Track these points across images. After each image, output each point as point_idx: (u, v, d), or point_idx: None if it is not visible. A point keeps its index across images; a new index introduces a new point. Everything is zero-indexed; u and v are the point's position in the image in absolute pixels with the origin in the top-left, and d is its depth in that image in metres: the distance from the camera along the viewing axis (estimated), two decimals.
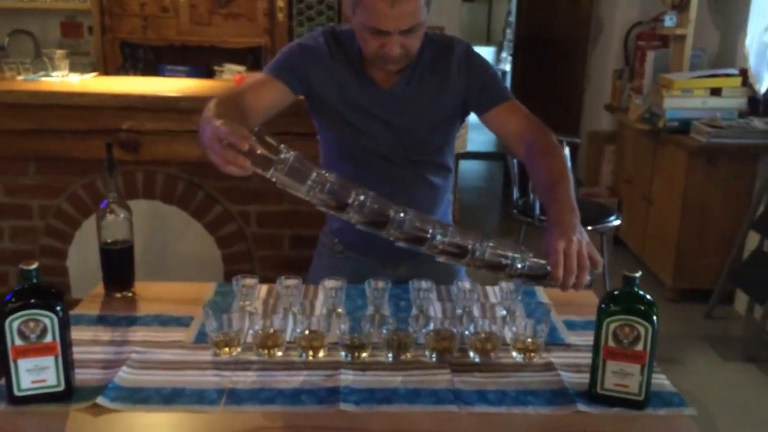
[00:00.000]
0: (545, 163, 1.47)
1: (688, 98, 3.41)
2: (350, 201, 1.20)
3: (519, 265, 1.25)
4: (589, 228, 2.72)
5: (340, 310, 1.35)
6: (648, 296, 1.11)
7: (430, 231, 1.24)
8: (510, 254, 1.25)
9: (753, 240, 3.19)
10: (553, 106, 5.00)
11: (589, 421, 1.09)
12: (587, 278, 1.24)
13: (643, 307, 1.09)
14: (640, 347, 1.09)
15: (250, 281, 1.37)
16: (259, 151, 1.12)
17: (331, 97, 1.60)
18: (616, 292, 1.12)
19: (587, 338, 1.34)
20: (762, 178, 3.21)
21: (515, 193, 2.88)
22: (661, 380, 1.18)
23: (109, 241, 1.48)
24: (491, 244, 1.25)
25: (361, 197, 1.20)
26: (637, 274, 1.11)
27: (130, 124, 2.21)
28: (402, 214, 1.23)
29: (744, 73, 3.41)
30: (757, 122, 3.24)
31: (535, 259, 1.26)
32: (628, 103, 4.06)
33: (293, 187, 1.17)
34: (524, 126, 1.56)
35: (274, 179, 1.15)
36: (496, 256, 1.25)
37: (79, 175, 2.33)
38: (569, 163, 1.47)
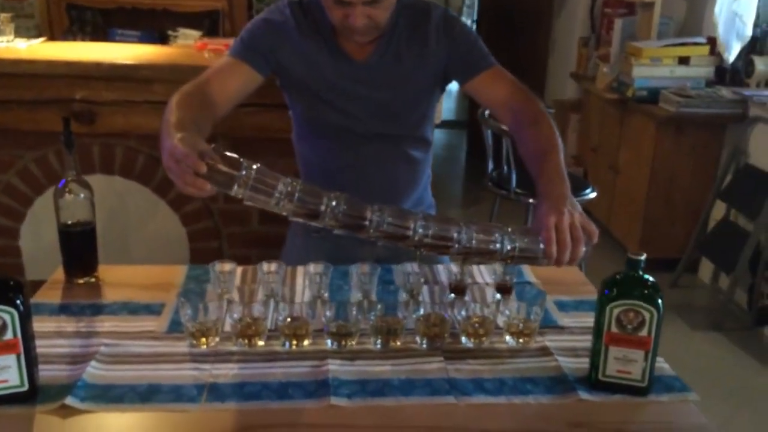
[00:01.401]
0: (532, 132, 1.40)
1: (657, 67, 3.39)
2: (323, 208, 1.13)
3: (509, 247, 1.19)
4: None
5: (326, 295, 1.27)
6: (652, 279, 1.07)
7: (411, 226, 1.17)
8: (498, 237, 1.19)
9: (719, 209, 3.22)
10: (516, 74, 4.95)
11: (591, 409, 1.05)
12: (582, 252, 1.18)
13: (648, 292, 1.04)
14: (644, 333, 1.05)
15: (227, 267, 1.27)
16: (218, 171, 1.05)
17: (301, 74, 1.49)
18: (618, 276, 1.07)
19: (580, 320, 1.31)
20: (729, 148, 3.23)
21: (490, 165, 2.82)
22: (660, 363, 1.14)
23: (69, 222, 1.37)
24: (476, 230, 1.18)
25: (333, 202, 1.13)
26: (642, 257, 1.06)
27: (83, 93, 2.06)
28: (379, 214, 1.15)
29: (712, 41, 3.40)
30: (725, 91, 3.24)
31: (526, 239, 1.20)
32: (594, 72, 4.03)
33: (260, 200, 1.10)
34: (510, 94, 1.49)
35: (239, 196, 1.09)
36: (484, 242, 1.18)
37: (29, 149, 2.18)
38: (557, 131, 1.40)
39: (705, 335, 2.92)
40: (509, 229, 1.20)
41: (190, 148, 1.05)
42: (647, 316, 1.04)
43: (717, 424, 1.88)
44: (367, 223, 1.15)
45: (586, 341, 1.21)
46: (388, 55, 1.49)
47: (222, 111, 1.42)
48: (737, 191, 3.10)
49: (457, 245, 1.18)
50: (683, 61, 3.41)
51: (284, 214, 1.13)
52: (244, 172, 1.06)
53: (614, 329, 1.06)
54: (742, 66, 3.34)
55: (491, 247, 1.19)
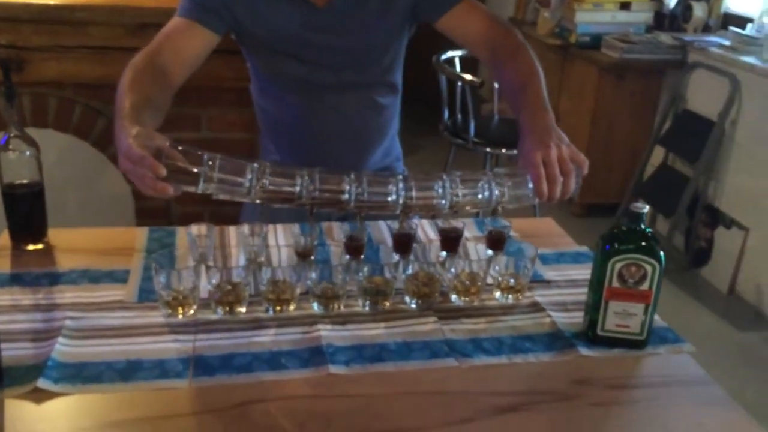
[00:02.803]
0: (511, 66, 1.33)
1: (599, 12, 3.40)
2: (297, 189, 1.06)
3: (497, 193, 1.13)
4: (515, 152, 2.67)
5: (312, 258, 1.20)
6: (650, 230, 1.05)
7: (393, 190, 1.10)
8: (485, 185, 1.14)
9: (658, 155, 3.29)
10: None
11: (592, 364, 1.04)
12: (573, 184, 1.13)
13: (649, 244, 1.03)
14: (645, 286, 1.04)
15: (203, 228, 1.18)
16: (180, 170, 1.00)
17: (260, 27, 1.38)
18: (618, 230, 1.05)
19: (563, 272, 1.30)
20: (668, 94, 3.29)
21: (445, 113, 2.76)
22: None
23: (13, 183, 1.24)
24: (460, 180, 1.12)
25: (307, 178, 1.07)
26: (644, 210, 1.04)
27: (9, 38, 1.87)
28: (357, 185, 1.09)
29: None
30: (664, 37, 3.28)
31: (513, 180, 1.14)
32: (534, 17, 4.00)
33: (231, 192, 1.04)
34: (486, 27, 1.41)
35: (209, 192, 1.03)
36: (471, 194, 1.13)
37: None
38: (537, 62, 1.33)
39: None
40: (492, 173, 1.15)
41: (147, 147, 0.98)
42: (649, 269, 1.03)
43: None
44: (346, 196, 1.09)
45: (573, 295, 1.20)
46: None
47: (179, 79, 1.32)
48: (676, 136, 3.17)
49: (443, 201, 1.13)
50: (624, 6, 3.42)
51: (259, 202, 1.06)
52: (206, 168, 1.00)
53: (615, 284, 1.04)
54: (680, 11, 3.39)
55: (480, 196, 1.13)
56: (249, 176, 1.03)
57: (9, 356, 0.96)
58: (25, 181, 1.25)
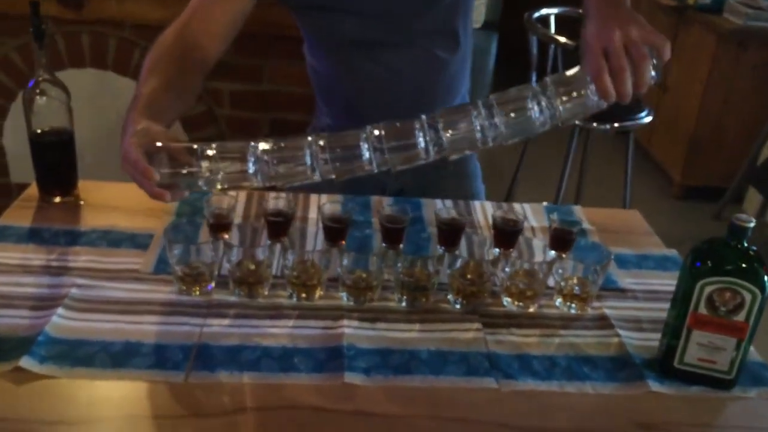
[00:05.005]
0: None
1: None
2: (309, 161, 0.90)
3: (545, 104, 0.89)
4: (616, 125, 2.39)
5: (342, 243, 1.06)
6: (754, 249, 0.84)
7: (418, 135, 0.89)
8: (533, 103, 0.89)
9: None
10: None
11: (662, 403, 0.86)
12: (651, 73, 0.88)
13: (751, 267, 0.83)
14: (741, 317, 0.84)
15: (225, 200, 1.06)
16: (178, 171, 0.90)
17: None
18: (714, 245, 0.86)
19: (643, 281, 1.10)
20: None
21: (533, 78, 2.52)
22: None
23: (40, 131, 1.16)
24: (496, 102, 0.90)
25: (320, 142, 0.90)
26: (751, 224, 0.83)
27: None
28: (376, 141, 0.89)
29: None
30: None
31: (570, 86, 0.90)
32: None
33: (237, 180, 0.91)
34: None
35: (216, 186, 0.91)
36: (519, 119, 0.89)
37: (10, 36, 1.91)
38: None
39: None
40: (540, 85, 0.91)
41: (147, 146, 0.89)
42: (748, 297, 0.83)
43: None
44: (367, 156, 0.90)
45: (652, 311, 1.02)
46: None
47: (213, 52, 1.17)
48: None
49: (485, 135, 0.90)
50: None
51: (279, 184, 0.92)
52: (203, 161, 0.88)
53: (703, 310, 0.84)
54: None
55: (533, 116, 0.89)
56: (251, 158, 0.89)
57: (2, 324, 0.88)
58: (53, 128, 1.16)
